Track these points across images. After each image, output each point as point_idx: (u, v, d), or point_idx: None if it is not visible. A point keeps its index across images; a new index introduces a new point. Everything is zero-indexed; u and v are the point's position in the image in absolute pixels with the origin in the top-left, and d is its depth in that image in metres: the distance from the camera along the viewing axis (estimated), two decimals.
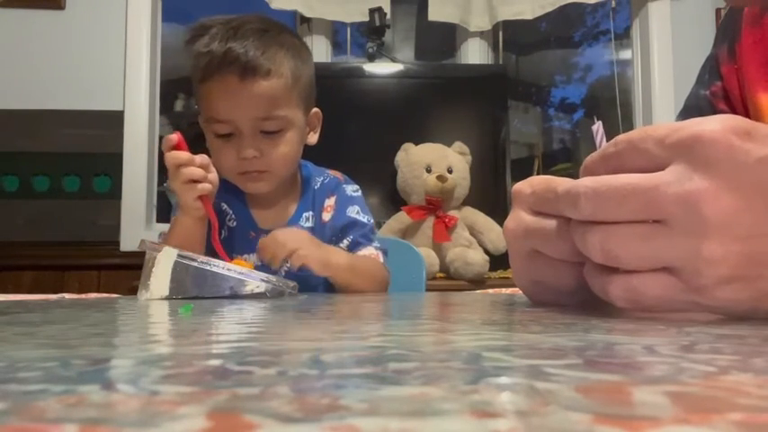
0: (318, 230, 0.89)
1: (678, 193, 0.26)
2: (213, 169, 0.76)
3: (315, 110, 0.89)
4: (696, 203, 0.25)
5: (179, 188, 0.74)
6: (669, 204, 0.26)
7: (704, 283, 0.26)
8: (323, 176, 0.93)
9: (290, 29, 0.87)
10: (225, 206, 0.87)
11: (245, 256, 0.86)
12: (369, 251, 0.87)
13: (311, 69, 0.87)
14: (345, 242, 0.88)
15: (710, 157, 0.25)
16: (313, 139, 0.89)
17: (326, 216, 0.90)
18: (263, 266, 0.84)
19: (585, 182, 0.28)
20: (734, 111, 0.59)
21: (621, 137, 0.29)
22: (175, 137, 0.72)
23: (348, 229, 0.89)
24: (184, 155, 0.73)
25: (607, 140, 0.33)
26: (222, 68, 0.76)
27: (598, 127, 0.34)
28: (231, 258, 0.68)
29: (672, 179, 0.26)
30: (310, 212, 0.90)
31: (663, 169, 0.27)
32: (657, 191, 0.26)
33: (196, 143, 0.86)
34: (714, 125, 0.26)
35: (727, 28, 0.61)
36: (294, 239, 0.75)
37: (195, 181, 0.73)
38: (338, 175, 0.95)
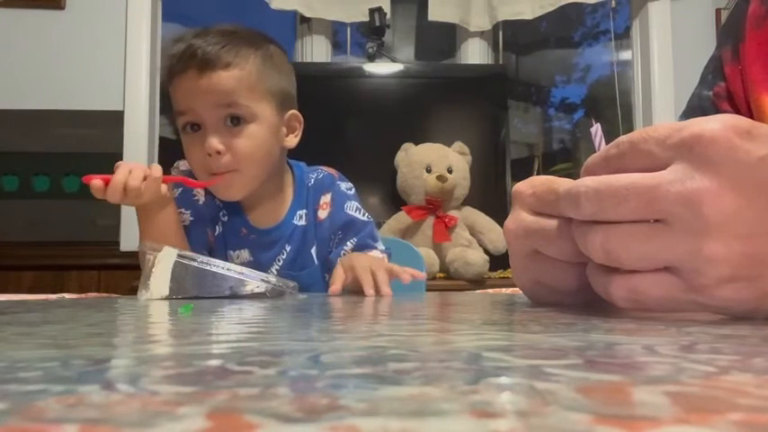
0: (314, 229, 0.89)
1: (679, 193, 0.26)
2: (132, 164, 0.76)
3: (293, 112, 0.86)
4: (697, 203, 0.25)
5: (144, 194, 0.73)
6: (670, 204, 0.26)
7: (705, 282, 0.26)
8: (316, 173, 0.92)
9: (273, 40, 0.86)
10: (218, 201, 0.86)
11: (237, 252, 0.86)
12: (375, 254, 0.86)
13: (286, 79, 0.86)
14: (350, 244, 0.86)
15: (711, 156, 0.25)
16: (292, 142, 0.87)
17: (323, 214, 0.89)
18: (255, 263, 0.84)
19: (586, 182, 0.28)
20: (737, 111, 0.59)
21: (623, 138, 0.29)
22: (98, 182, 0.72)
23: (349, 228, 0.87)
24: (118, 175, 0.72)
25: (606, 142, 0.33)
26: (182, 63, 0.77)
27: (597, 129, 0.34)
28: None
29: (673, 178, 0.26)
30: (303, 210, 0.89)
31: (664, 169, 0.27)
32: (658, 190, 0.26)
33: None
34: (715, 125, 0.26)
35: (731, 28, 0.61)
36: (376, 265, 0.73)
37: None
38: (332, 171, 0.94)
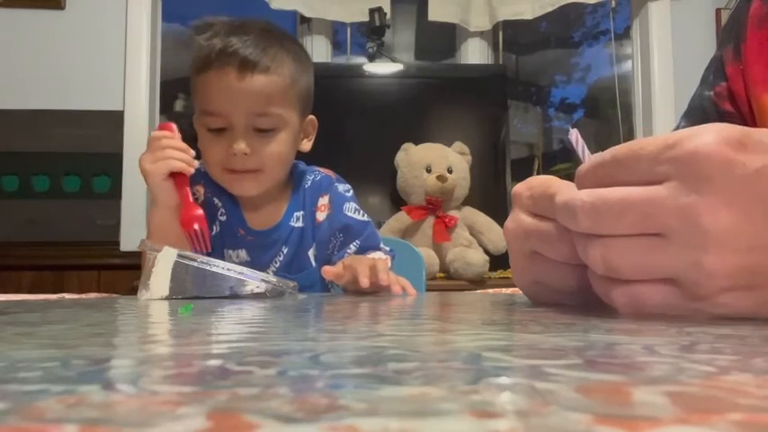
0: (312, 231, 0.88)
1: (676, 207, 0.25)
2: (192, 153, 0.79)
3: (311, 117, 0.88)
4: (695, 217, 0.25)
5: (151, 165, 0.76)
6: (667, 218, 0.26)
7: (705, 293, 0.26)
8: (313, 174, 0.91)
9: (293, 37, 0.88)
10: (216, 200, 0.86)
11: (236, 251, 0.86)
12: (379, 254, 0.85)
13: (310, 78, 0.86)
14: (353, 247, 0.86)
15: (708, 172, 0.25)
16: (306, 146, 0.88)
17: (321, 216, 0.88)
18: (252, 264, 0.84)
19: (582, 196, 0.28)
20: (739, 112, 0.59)
21: (607, 155, 0.29)
22: (170, 125, 0.78)
23: (349, 231, 0.87)
24: (170, 133, 0.77)
25: (604, 144, 0.33)
26: (220, 60, 0.76)
27: (575, 135, 0.33)
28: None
29: (669, 193, 0.26)
30: (301, 212, 0.88)
31: (657, 184, 0.27)
32: (655, 205, 0.26)
33: (193, 144, 0.86)
34: (708, 138, 0.25)
35: (733, 28, 0.61)
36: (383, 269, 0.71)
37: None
38: (330, 173, 0.93)
